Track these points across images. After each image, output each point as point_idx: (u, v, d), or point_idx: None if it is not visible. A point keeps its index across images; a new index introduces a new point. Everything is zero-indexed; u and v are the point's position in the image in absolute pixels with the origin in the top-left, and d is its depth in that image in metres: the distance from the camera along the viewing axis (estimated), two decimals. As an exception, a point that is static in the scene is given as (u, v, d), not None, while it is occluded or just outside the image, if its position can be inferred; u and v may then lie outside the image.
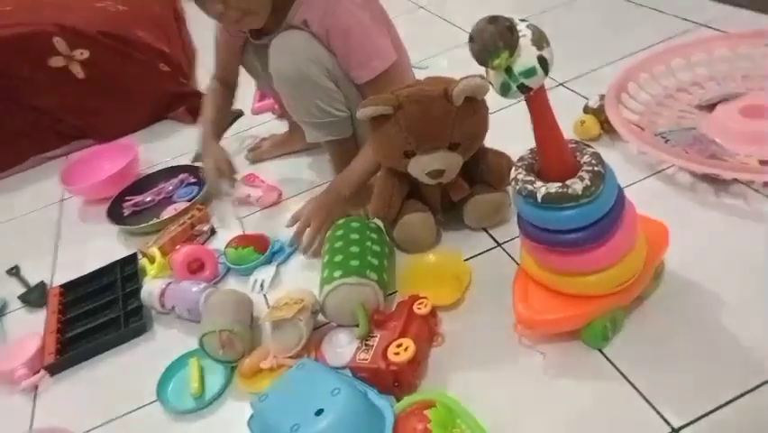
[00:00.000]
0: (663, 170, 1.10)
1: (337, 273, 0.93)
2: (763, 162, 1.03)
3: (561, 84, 1.38)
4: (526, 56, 0.63)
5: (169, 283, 1.08)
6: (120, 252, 1.28)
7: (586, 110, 1.23)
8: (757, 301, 0.83)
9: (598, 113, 1.20)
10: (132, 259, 1.23)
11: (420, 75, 1.53)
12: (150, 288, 1.09)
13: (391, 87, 0.98)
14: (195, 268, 1.12)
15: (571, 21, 1.71)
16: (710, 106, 1.19)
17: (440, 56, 1.71)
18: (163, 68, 1.78)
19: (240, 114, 1.57)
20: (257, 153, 1.48)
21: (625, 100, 1.22)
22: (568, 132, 1.22)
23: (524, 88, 0.64)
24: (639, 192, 1.05)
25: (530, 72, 0.63)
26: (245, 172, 1.42)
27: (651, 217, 0.88)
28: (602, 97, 1.21)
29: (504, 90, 0.65)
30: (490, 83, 0.67)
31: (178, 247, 1.18)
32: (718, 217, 0.98)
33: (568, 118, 1.23)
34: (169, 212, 1.34)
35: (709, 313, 0.83)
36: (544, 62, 0.63)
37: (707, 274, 0.88)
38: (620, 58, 1.44)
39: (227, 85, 1.34)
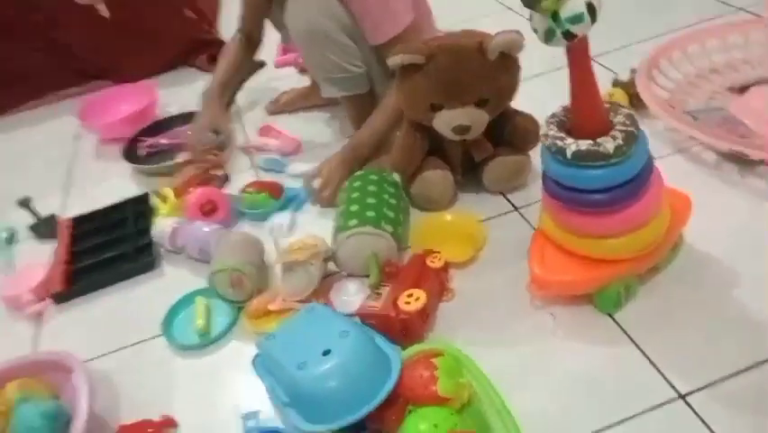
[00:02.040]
0: (690, 147, 1.08)
1: (352, 222, 0.92)
2: (792, 147, 1.00)
3: (592, 58, 1.35)
4: (574, 1, 0.61)
5: (181, 223, 1.08)
6: (134, 191, 1.28)
7: (615, 84, 1.21)
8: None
9: (628, 87, 1.18)
10: (144, 197, 1.23)
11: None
12: (162, 226, 1.09)
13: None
14: (207, 210, 1.11)
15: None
16: (742, 89, 1.16)
17: (468, 23, 1.68)
18: (188, 13, 1.76)
19: (262, 64, 1.54)
20: (277, 106, 1.46)
21: (656, 76, 1.20)
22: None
23: (569, 35, 0.63)
24: (664, 167, 1.02)
25: (577, 18, 0.61)
26: (263, 123, 1.41)
27: (676, 189, 0.86)
28: (633, 72, 1.19)
29: (548, 36, 0.64)
30: (534, 28, 0.65)
31: (191, 189, 1.18)
32: (741, 197, 0.97)
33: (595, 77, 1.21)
34: (184, 156, 1.33)
35: (723, 288, 0.82)
36: (592, 9, 0.61)
37: (724, 251, 0.87)
38: (654, 36, 1.40)
39: (250, 39, 1.32)
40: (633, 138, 0.71)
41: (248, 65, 1.36)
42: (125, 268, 1.08)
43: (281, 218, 1.10)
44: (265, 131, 1.39)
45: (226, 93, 1.34)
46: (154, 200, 1.20)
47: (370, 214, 0.93)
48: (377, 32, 1.06)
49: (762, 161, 0.99)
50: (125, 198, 1.24)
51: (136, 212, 1.19)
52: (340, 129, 1.34)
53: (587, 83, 0.70)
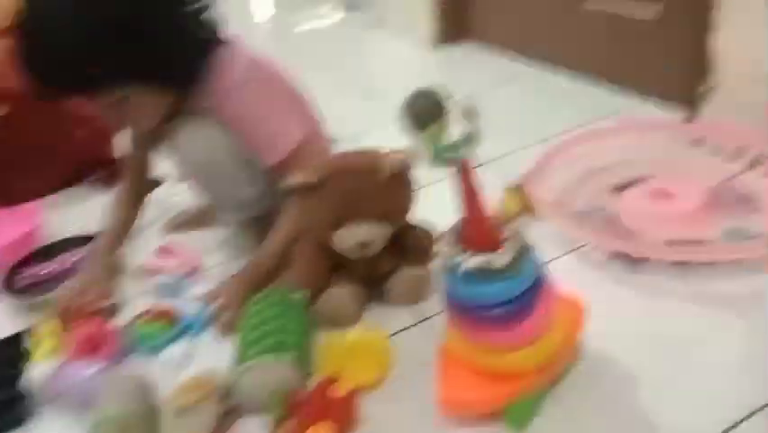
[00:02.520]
0: (580, 247, 1.13)
1: (251, 352, 0.87)
2: (669, 243, 1.08)
3: (484, 164, 1.42)
4: (456, 128, 0.64)
5: (60, 366, 0.97)
6: (6, 330, 1.15)
7: (507, 189, 1.26)
8: (670, 378, 0.84)
9: (520, 192, 1.24)
10: (17, 337, 1.10)
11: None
12: (37, 371, 0.97)
13: (301, 165, 0.97)
14: (91, 348, 1.01)
15: (495, 104, 1.79)
16: (621, 189, 1.25)
17: (371, 132, 1.74)
18: (83, 132, 1.70)
19: (158, 183, 1.50)
20: (175, 224, 1.41)
21: (544, 179, 1.27)
22: (489, 209, 1.25)
23: (452, 161, 0.65)
24: (556, 270, 1.07)
25: (459, 144, 0.64)
26: (160, 243, 1.35)
27: (568, 295, 0.88)
28: (523, 177, 1.26)
29: (433, 161, 0.66)
30: (420, 153, 0.67)
31: (74, 324, 1.08)
32: (631, 295, 1.01)
33: (489, 196, 1.26)
34: (70, 284, 1.23)
35: (625, 391, 0.83)
36: (473, 135, 0.65)
37: (622, 352, 0.89)
38: (539, 141, 1.51)
39: (138, 185, 1.27)
40: (523, 251, 0.73)
41: (136, 210, 1.28)
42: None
43: (177, 350, 1.02)
44: (162, 251, 1.32)
45: (116, 247, 1.25)
46: (30, 340, 1.09)
47: (271, 341, 0.88)
48: (268, 155, 1.06)
49: (646, 259, 1.05)
50: (-2, 339, 1.11)
51: (6, 355, 1.07)
52: (240, 246, 1.29)
53: (474, 202, 0.72)
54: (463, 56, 2.26)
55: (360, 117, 1.86)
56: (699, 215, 1.13)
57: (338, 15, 3.24)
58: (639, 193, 1.20)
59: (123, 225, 1.25)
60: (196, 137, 1.04)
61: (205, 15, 1.01)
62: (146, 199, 1.30)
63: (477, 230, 0.74)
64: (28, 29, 0.89)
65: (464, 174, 0.70)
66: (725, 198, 1.16)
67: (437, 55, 2.32)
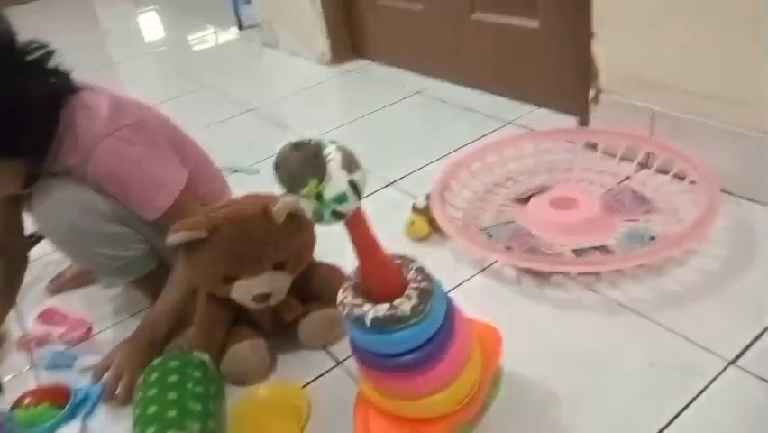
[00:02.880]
0: (490, 265, 1.12)
1: (150, 430, 0.78)
2: (576, 251, 1.09)
3: (388, 184, 1.40)
4: (336, 181, 0.59)
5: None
6: None
7: (414, 210, 1.24)
8: (588, 392, 0.84)
9: (426, 212, 1.22)
10: None
11: (252, 180, 1.47)
12: None
13: (187, 215, 0.90)
14: None
15: (394, 122, 1.78)
16: (525, 199, 1.26)
17: (272, 159, 1.68)
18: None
19: (39, 238, 1.36)
20: (58, 283, 1.28)
21: (449, 198, 1.26)
22: (398, 233, 1.23)
23: (338, 214, 0.60)
24: (469, 290, 1.07)
25: (341, 198, 0.59)
26: (43, 306, 1.22)
27: (482, 322, 0.87)
28: (428, 196, 1.24)
29: (318, 218, 0.61)
30: (303, 210, 0.62)
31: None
32: (544, 310, 1.01)
33: (397, 218, 1.24)
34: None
35: (548, 411, 0.83)
36: (355, 186, 0.60)
37: (540, 371, 0.88)
38: (441, 156, 1.51)
39: (9, 257, 1.15)
40: (428, 294, 0.70)
41: (15, 281, 1.17)
42: None
43: (69, 432, 0.92)
44: (47, 316, 1.19)
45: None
46: None
47: (172, 414, 0.80)
48: (149, 209, 0.96)
49: (554, 272, 1.06)
50: None
51: None
52: (136, 303, 1.19)
53: (371, 252, 0.68)
54: (359, 73, 2.24)
55: (261, 143, 1.79)
56: (599, 220, 1.15)
57: (230, 35, 3.14)
58: (541, 203, 1.22)
59: (4, 293, 1.12)
60: (53, 205, 0.94)
61: (50, 65, 0.90)
62: (24, 265, 1.18)
63: (377, 279, 0.70)
64: None
65: (356, 225, 0.66)
66: (622, 201, 1.20)
67: (332, 73, 2.28)
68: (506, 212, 1.26)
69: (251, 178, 1.58)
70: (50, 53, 0.90)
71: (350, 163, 0.60)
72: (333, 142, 0.62)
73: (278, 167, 0.58)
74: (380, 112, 1.86)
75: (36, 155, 0.91)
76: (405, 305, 0.68)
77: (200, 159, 1.11)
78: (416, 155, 1.53)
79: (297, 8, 2.35)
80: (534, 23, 1.61)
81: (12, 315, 1.23)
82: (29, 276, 1.31)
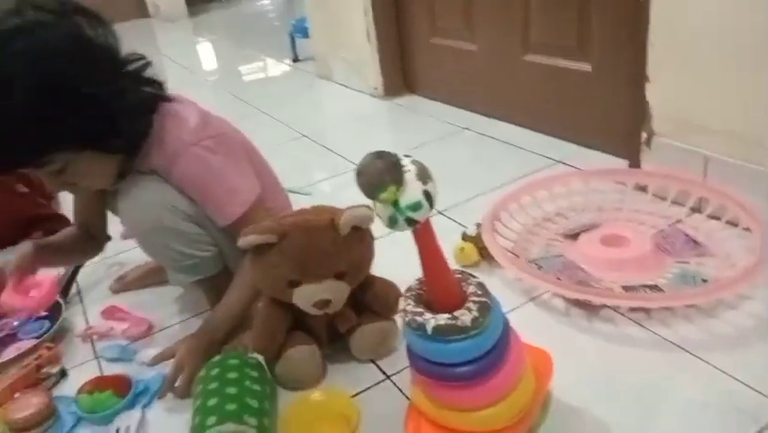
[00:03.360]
0: (540, 295, 1.14)
1: (211, 420, 0.82)
2: (626, 288, 1.10)
3: (439, 212, 1.44)
4: (412, 190, 0.63)
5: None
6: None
7: (464, 237, 1.27)
8: (636, 425, 0.85)
9: (477, 240, 1.25)
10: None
11: (303, 200, 1.54)
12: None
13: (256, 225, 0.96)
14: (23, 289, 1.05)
15: (444, 155, 1.83)
16: (574, 235, 1.28)
17: (323, 182, 1.75)
18: (21, 188, 1.63)
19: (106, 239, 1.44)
20: (122, 284, 1.35)
21: (499, 228, 1.29)
22: (448, 258, 1.25)
23: (410, 221, 0.65)
24: (518, 318, 1.08)
25: (416, 206, 0.64)
26: (107, 304, 1.29)
27: (534, 346, 0.89)
28: (479, 226, 1.27)
29: (391, 223, 0.65)
30: (378, 215, 0.66)
31: (17, 396, 1.01)
32: (592, 342, 1.02)
33: (448, 245, 1.27)
34: (10, 352, 1.15)
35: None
36: (428, 196, 0.64)
37: (588, 400, 0.89)
38: (489, 190, 1.55)
39: (88, 233, 1.24)
40: (487, 308, 0.73)
41: (77, 250, 1.25)
42: None
43: (128, 420, 0.96)
44: (110, 313, 1.26)
45: (44, 253, 1.19)
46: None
47: (231, 407, 0.84)
48: (223, 214, 1.03)
49: (604, 305, 1.07)
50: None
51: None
52: (195, 305, 1.25)
53: (436, 261, 0.71)
54: (410, 108, 2.31)
55: (312, 167, 1.86)
56: (650, 260, 1.16)
57: (284, 67, 3.28)
58: (592, 239, 1.23)
59: (57, 243, 1.21)
60: (140, 199, 1.00)
61: (146, 73, 0.99)
62: (92, 250, 1.26)
63: (440, 289, 0.74)
64: None
65: (425, 234, 0.70)
66: (674, 242, 1.21)
67: (384, 106, 2.37)
68: (555, 246, 1.28)
69: (304, 198, 1.65)
70: (148, 64, 0.99)
71: (424, 175, 0.65)
72: (407, 156, 0.67)
73: (360, 174, 0.63)
74: (430, 144, 1.91)
75: (129, 154, 0.99)
76: (465, 316, 0.71)
77: (268, 176, 1.18)
78: (465, 187, 1.57)
79: (354, 43, 2.45)
80: (586, 66, 1.66)
81: (77, 309, 1.30)
82: (95, 274, 1.39)
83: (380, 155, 0.63)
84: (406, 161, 0.65)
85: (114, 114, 0.90)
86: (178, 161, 0.98)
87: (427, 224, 0.68)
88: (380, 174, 0.62)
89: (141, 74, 0.98)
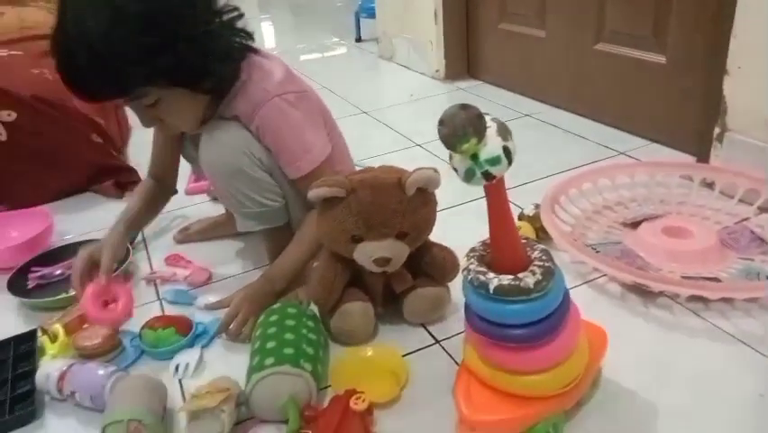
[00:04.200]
0: (595, 279, 1.13)
1: (269, 361, 0.86)
2: (685, 278, 1.08)
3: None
4: (492, 145, 0.64)
5: (72, 365, 0.96)
6: (19, 328, 1.13)
7: (521, 217, 1.27)
8: (688, 411, 0.84)
9: (534, 220, 1.25)
10: (29, 336, 1.09)
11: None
12: (48, 369, 0.96)
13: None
14: (107, 302, 1.06)
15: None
16: (634, 224, 1.26)
17: (381, 157, 1.76)
18: (95, 138, 1.71)
19: (173, 192, 1.50)
20: (185, 235, 1.41)
21: (557, 211, 1.28)
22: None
23: (488, 176, 0.66)
24: (574, 299, 1.08)
25: (495, 161, 0.64)
26: (170, 252, 1.35)
27: (591, 322, 0.89)
28: (537, 206, 1.27)
29: (468, 176, 0.66)
30: (455, 168, 0.68)
31: (86, 326, 1.07)
32: (647, 327, 1.01)
33: (513, 215, 1.27)
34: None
35: (642, 422, 0.83)
36: (508, 152, 0.65)
37: (639, 383, 0.89)
38: (549, 174, 1.53)
39: (162, 183, 1.29)
40: (551, 273, 0.73)
41: (157, 204, 1.30)
42: (-2, 422, 0.93)
43: (188, 357, 1.01)
44: (173, 260, 1.32)
45: (131, 232, 1.26)
46: (42, 339, 1.07)
47: (288, 351, 0.87)
48: (294, 167, 1.06)
49: (661, 293, 1.06)
50: (7, 337, 1.09)
51: (18, 353, 1.05)
52: (253, 260, 1.29)
53: (505, 221, 0.72)
54: (470, 92, 2.30)
55: (370, 143, 1.88)
56: (713, 253, 1.14)
57: (345, 47, 3.30)
58: (653, 229, 1.21)
59: (144, 206, 1.26)
60: (221, 142, 1.04)
61: (239, 24, 1.02)
62: (168, 199, 1.31)
63: (505, 249, 0.75)
64: (65, 31, 0.89)
65: (498, 192, 0.71)
66: (739, 239, 1.18)
67: (445, 88, 2.36)
68: (613, 233, 1.26)
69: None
70: (241, 16, 1.02)
71: (505, 132, 0.66)
72: (487, 113, 0.67)
73: (443, 123, 0.64)
74: (490, 128, 1.90)
75: (216, 97, 1.03)
76: (529, 278, 0.71)
77: (339, 142, 1.20)
78: (522, 171, 1.56)
79: (420, 24, 2.45)
80: (660, 58, 1.62)
81: (142, 254, 1.37)
82: (160, 224, 1.45)
83: (465, 107, 0.64)
84: (487, 118, 0.66)
85: (207, 55, 0.94)
86: (260, 110, 1.02)
87: (501, 181, 0.69)
88: (463, 125, 0.62)
89: (233, 23, 1.01)
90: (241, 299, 1.05)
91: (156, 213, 1.32)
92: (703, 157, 1.42)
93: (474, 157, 0.64)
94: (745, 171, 1.30)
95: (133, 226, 1.25)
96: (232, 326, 1.03)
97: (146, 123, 1.01)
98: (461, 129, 0.62)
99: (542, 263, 0.74)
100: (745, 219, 1.25)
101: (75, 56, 0.88)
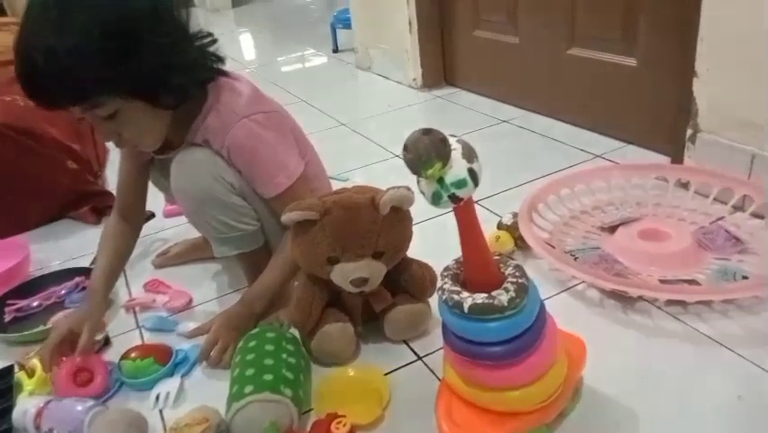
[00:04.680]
0: (574, 286, 1.14)
1: (248, 389, 0.85)
2: (663, 282, 1.09)
3: (475, 202, 1.44)
4: (458, 168, 0.64)
5: (49, 401, 0.94)
6: (-4, 365, 1.12)
7: (500, 226, 1.28)
8: (668, 416, 0.85)
9: (512, 229, 1.25)
10: (5, 372, 1.07)
11: (343, 186, 1.55)
12: (25, 406, 0.94)
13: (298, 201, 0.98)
14: (83, 381, 1.00)
15: (481, 147, 1.81)
16: (612, 228, 1.27)
17: (360, 169, 1.76)
18: (71, 165, 1.69)
19: (151, 216, 1.50)
20: (164, 259, 1.40)
21: (535, 219, 1.29)
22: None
23: (454, 198, 0.66)
24: (552, 307, 1.06)
25: (461, 183, 0.65)
26: (149, 277, 1.33)
27: (569, 332, 0.89)
28: (515, 215, 1.27)
29: (435, 199, 0.66)
30: (422, 192, 0.68)
31: (64, 358, 1.05)
32: (627, 333, 1.01)
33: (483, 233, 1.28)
34: (58, 319, 1.21)
35: (624, 428, 0.84)
36: (473, 174, 0.65)
37: (621, 390, 0.89)
38: (526, 182, 1.54)
39: (129, 219, 1.24)
40: (524, 289, 0.74)
41: (126, 253, 1.25)
42: (-26, 464, 0.91)
43: (168, 386, 1.00)
44: (152, 286, 1.31)
45: (109, 285, 1.20)
46: (18, 374, 1.06)
47: (268, 377, 0.87)
48: (272, 185, 1.05)
49: (640, 298, 1.07)
50: (-19, 374, 1.08)
51: (-5, 390, 1.04)
52: (233, 282, 1.29)
53: (475, 240, 0.72)
54: (448, 100, 2.31)
55: (350, 155, 1.88)
56: (690, 255, 1.15)
57: (323, 58, 3.30)
58: (630, 233, 1.22)
59: (117, 260, 1.22)
60: (191, 169, 1.04)
61: (211, 49, 1.02)
62: (138, 235, 1.28)
63: (478, 268, 0.75)
64: (25, 36, 0.87)
65: (466, 212, 0.71)
66: (715, 239, 1.19)
67: (422, 97, 2.37)
68: (591, 238, 1.27)
69: (342, 184, 1.67)
70: (214, 41, 1.02)
71: (470, 154, 0.66)
72: (453, 135, 0.67)
73: (407, 148, 0.64)
74: (467, 136, 1.89)
75: (181, 114, 1.01)
76: (503, 296, 0.72)
77: (312, 158, 1.20)
78: (501, 179, 1.57)
79: (395, 34, 2.46)
80: (631, 61, 1.64)
81: (120, 281, 1.35)
82: (138, 249, 1.43)
83: (428, 132, 0.64)
84: (452, 140, 0.66)
85: (167, 68, 0.92)
86: (230, 132, 1.01)
87: (470, 202, 0.69)
88: (427, 150, 0.63)
89: (205, 46, 1.00)
90: (219, 326, 1.04)
91: (128, 258, 1.26)
92: (677, 158, 1.43)
93: (440, 181, 0.65)
94: (719, 171, 1.31)
95: (110, 287, 1.20)
96: (212, 353, 1.02)
97: (105, 137, 0.99)
98: (425, 154, 0.63)
99: (515, 279, 0.74)
100: (720, 218, 1.26)
101: (33, 60, 0.86)
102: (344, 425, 0.83)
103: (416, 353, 1.02)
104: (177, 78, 0.94)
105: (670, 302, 1.05)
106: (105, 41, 0.86)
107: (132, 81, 0.90)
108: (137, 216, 1.26)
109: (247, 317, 1.06)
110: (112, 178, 1.87)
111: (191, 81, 0.97)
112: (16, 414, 0.94)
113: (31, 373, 1.03)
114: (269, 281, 1.08)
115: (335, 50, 3.30)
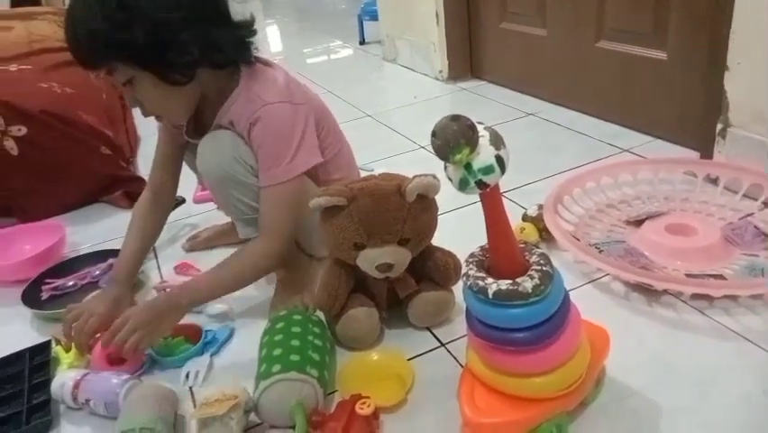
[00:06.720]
0: (599, 278, 1.14)
1: (275, 368, 0.88)
2: (689, 276, 1.09)
3: (501, 193, 1.45)
4: (485, 154, 0.66)
5: (86, 374, 0.98)
6: (34, 339, 1.16)
7: (525, 218, 1.28)
8: (691, 408, 0.85)
9: (537, 221, 1.26)
10: (43, 347, 1.12)
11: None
12: (63, 379, 0.98)
13: (283, 202, 1.03)
14: (115, 359, 1.03)
15: (508, 139, 1.82)
16: (638, 222, 1.27)
17: (385, 160, 1.78)
18: (105, 150, 1.74)
19: (181, 201, 1.53)
20: (194, 243, 1.43)
21: (560, 211, 1.29)
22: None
23: (481, 184, 0.67)
24: (576, 298, 1.07)
25: (488, 169, 0.66)
26: (179, 261, 1.37)
27: (592, 322, 0.89)
28: (540, 207, 1.28)
29: (462, 185, 0.67)
30: (449, 178, 0.69)
31: (98, 335, 1.09)
32: (651, 326, 1.01)
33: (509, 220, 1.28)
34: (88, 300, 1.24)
35: (647, 422, 0.84)
36: (500, 161, 0.66)
37: (643, 382, 0.89)
38: (554, 174, 1.54)
39: (160, 197, 1.26)
40: (549, 277, 0.74)
41: (154, 235, 1.27)
42: None
43: (198, 365, 1.03)
44: (182, 269, 1.34)
45: (134, 268, 1.22)
46: (56, 349, 1.10)
47: (295, 358, 0.89)
48: (263, 175, 1.05)
49: (665, 291, 1.07)
50: (23, 349, 1.12)
51: (34, 364, 1.08)
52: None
53: (501, 227, 0.73)
54: (474, 92, 2.31)
55: (375, 146, 1.90)
56: (717, 250, 1.14)
57: (349, 50, 3.32)
58: (657, 227, 1.22)
59: (145, 241, 1.25)
60: (215, 149, 1.06)
61: (249, 37, 1.05)
62: (167, 217, 1.31)
63: (503, 254, 0.76)
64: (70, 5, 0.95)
65: (493, 199, 0.72)
66: (743, 235, 1.18)
67: (448, 89, 2.37)
68: (617, 232, 1.27)
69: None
70: (253, 32, 1.05)
71: (497, 141, 0.67)
72: (481, 122, 0.69)
73: (435, 134, 0.65)
74: (497, 128, 1.91)
75: (210, 96, 1.06)
76: (527, 283, 0.73)
77: (343, 150, 1.21)
78: (526, 171, 1.57)
79: (422, 26, 2.46)
80: (661, 54, 1.62)
81: (152, 264, 1.39)
82: (169, 233, 1.47)
83: (456, 118, 0.65)
84: (480, 127, 0.67)
85: (166, 45, 0.94)
86: (252, 116, 1.03)
87: (496, 189, 0.70)
88: (455, 136, 0.64)
89: (243, 31, 1.03)
90: (133, 310, 1.01)
91: (156, 238, 1.29)
92: (706, 153, 1.42)
93: (467, 166, 0.66)
94: (749, 167, 1.30)
95: (137, 270, 1.23)
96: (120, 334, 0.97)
97: (129, 103, 1.03)
98: (453, 140, 0.64)
99: (540, 267, 0.75)
100: (750, 214, 1.25)
101: (67, 25, 0.95)
102: (369, 406, 0.84)
103: (438, 339, 1.04)
104: (182, 54, 0.96)
105: (695, 296, 1.04)
106: (118, 11, 0.91)
107: (134, 51, 0.94)
108: (168, 195, 1.28)
109: (171, 309, 1.02)
110: (143, 165, 1.92)
111: (196, 61, 0.98)
112: (54, 386, 0.98)
113: (67, 348, 1.08)
114: (207, 283, 1.06)
115: (362, 42, 3.31)
